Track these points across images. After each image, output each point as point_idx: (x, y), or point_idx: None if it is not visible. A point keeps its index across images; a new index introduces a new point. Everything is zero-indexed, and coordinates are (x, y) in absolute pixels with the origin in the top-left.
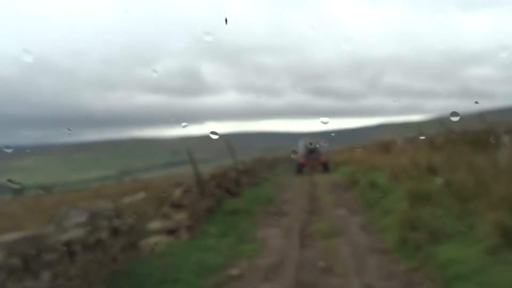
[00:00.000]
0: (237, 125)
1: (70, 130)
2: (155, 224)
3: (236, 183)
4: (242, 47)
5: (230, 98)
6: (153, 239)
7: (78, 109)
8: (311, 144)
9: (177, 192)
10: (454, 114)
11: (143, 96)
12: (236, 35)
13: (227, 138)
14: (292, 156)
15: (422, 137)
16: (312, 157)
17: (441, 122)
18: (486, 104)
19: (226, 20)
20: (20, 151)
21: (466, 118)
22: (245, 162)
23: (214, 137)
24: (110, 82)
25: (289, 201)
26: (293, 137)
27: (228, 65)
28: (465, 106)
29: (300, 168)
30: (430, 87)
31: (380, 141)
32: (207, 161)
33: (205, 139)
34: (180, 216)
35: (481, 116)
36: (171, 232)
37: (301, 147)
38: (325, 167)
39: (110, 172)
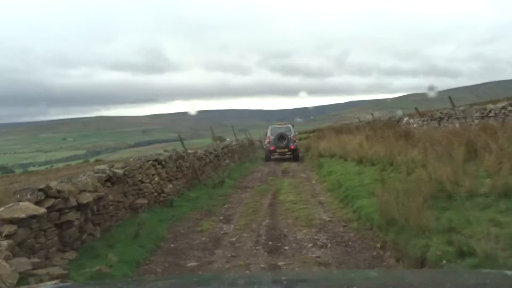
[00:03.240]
0: (205, 103)
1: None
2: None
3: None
4: (205, 23)
5: (196, 75)
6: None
7: (38, 86)
8: (280, 128)
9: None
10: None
11: (105, 73)
12: (198, 10)
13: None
14: (264, 145)
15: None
16: (281, 144)
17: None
18: (451, 83)
19: None
20: None
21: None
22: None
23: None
24: (70, 59)
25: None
26: (264, 114)
27: (191, 41)
28: (431, 84)
29: (269, 156)
30: (396, 65)
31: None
32: (177, 141)
33: (175, 117)
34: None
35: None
36: None
37: (270, 133)
38: (295, 156)
39: (79, 152)
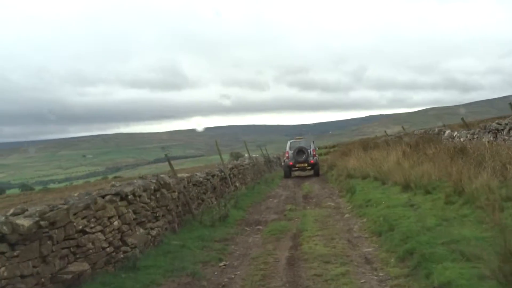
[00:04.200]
0: (223, 119)
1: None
2: None
3: None
4: (220, 40)
5: (213, 92)
6: None
7: (57, 104)
8: (299, 143)
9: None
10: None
11: (124, 90)
12: (213, 28)
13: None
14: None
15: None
16: (300, 158)
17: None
18: (471, 96)
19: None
20: (4, 148)
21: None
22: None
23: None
24: (87, 77)
25: None
26: (282, 129)
27: (207, 58)
28: (451, 98)
29: (288, 171)
30: (415, 79)
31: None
32: (195, 157)
33: (193, 134)
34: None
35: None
36: None
37: (289, 148)
38: (315, 170)
39: (98, 169)
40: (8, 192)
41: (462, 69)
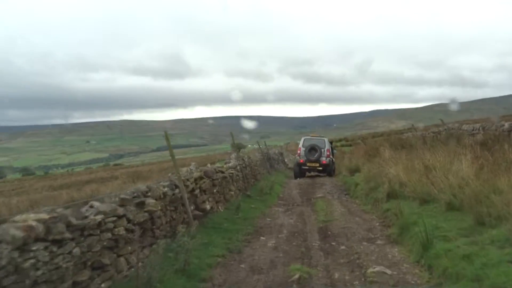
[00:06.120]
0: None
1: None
2: None
3: None
4: (225, 30)
5: (216, 81)
6: None
7: (61, 90)
8: (313, 140)
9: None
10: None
11: (127, 78)
12: (217, 17)
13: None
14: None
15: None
16: (312, 157)
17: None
18: (476, 94)
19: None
20: (10, 132)
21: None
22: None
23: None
24: (90, 63)
25: None
26: (286, 121)
27: (210, 48)
28: (457, 94)
29: (298, 171)
30: (420, 74)
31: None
32: (199, 146)
33: (197, 122)
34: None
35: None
36: None
37: (302, 144)
38: (327, 172)
39: (102, 155)
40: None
41: (469, 66)
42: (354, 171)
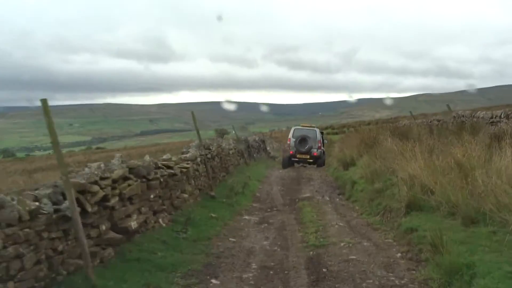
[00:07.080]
0: (211, 94)
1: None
2: None
3: None
4: (209, 15)
5: (201, 66)
6: None
7: (41, 71)
8: (304, 131)
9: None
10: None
11: (110, 60)
12: (201, 1)
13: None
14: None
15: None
16: (302, 149)
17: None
18: (461, 84)
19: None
20: None
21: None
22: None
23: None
24: (72, 44)
25: None
26: (272, 108)
27: (195, 32)
28: (441, 85)
29: (287, 162)
30: (405, 64)
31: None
32: (184, 131)
33: (182, 107)
34: None
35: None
36: None
37: (292, 135)
38: (318, 164)
39: (85, 138)
40: None
41: (454, 57)
42: (348, 164)
